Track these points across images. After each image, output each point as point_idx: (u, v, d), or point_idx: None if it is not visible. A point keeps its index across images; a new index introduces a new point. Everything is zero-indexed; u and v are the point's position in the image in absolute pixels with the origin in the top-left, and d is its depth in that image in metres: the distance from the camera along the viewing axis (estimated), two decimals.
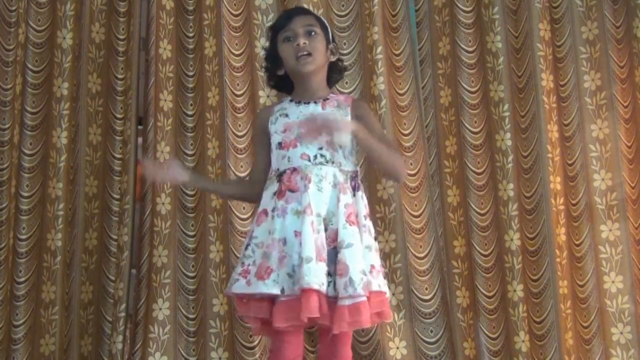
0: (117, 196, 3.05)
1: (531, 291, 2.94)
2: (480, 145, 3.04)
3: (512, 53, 3.05)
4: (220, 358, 2.94)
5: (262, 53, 3.00)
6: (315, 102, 2.21)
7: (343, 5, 3.12)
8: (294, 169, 2.12)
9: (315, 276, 1.99)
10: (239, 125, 3.02)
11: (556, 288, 2.90)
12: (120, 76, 3.12)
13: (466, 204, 3.03)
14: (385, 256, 2.89)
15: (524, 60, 3.02)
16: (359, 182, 2.19)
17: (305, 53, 2.16)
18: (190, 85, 3.12)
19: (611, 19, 3.03)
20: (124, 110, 3.10)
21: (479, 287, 2.99)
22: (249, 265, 2.08)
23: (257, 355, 2.91)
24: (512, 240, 2.94)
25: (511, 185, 2.96)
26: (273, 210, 2.10)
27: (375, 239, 2.17)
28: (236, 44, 3.07)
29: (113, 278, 3.01)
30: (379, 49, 3.00)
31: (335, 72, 2.30)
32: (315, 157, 2.13)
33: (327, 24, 2.29)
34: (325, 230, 2.08)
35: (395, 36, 3.08)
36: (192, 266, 3.02)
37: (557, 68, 3.06)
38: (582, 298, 2.97)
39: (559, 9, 3.07)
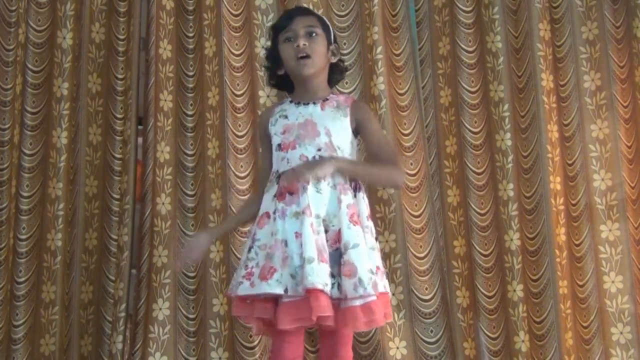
0: (117, 196, 3.05)
1: (531, 291, 2.94)
2: (480, 145, 3.04)
3: (512, 53, 3.05)
4: (220, 358, 2.94)
5: (262, 53, 3.00)
6: (314, 103, 2.21)
7: (343, 5, 3.12)
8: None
9: (319, 276, 1.98)
10: (239, 125, 3.02)
11: (556, 288, 2.90)
12: (120, 76, 3.12)
13: (466, 204, 3.03)
14: (385, 256, 2.89)
15: (524, 60, 3.02)
16: (360, 182, 2.19)
17: (304, 55, 2.16)
18: (190, 85, 3.12)
19: (611, 19, 3.03)
20: (124, 110, 3.10)
21: (479, 287, 2.99)
22: (252, 267, 2.08)
23: (257, 355, 2.91)
24: (512, 240, 2.94)
25: (511, 185, 2.96)
26: (274, 213, 2.10)
27: (376, 239, 2.17)
28: (236, 44, 3.07)
29: (113, 278, 3.02)
30: (379, 49, 3.00)
31: (336, 73, 2.29)
32: (314, 158, 2.13)
33: (329, 25, 2.28)
34: (326, 231, 2.07)
35: (395, 36, 3.08)
36: (192, 266, 3.02)
37: (557, 68, 3.05)
38: (582, 298, 2.97)
39: (559, 9, 3.07)
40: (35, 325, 2.97)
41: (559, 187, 2.98)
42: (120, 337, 2.93)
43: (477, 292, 2.99)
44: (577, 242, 2.99)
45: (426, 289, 2.94)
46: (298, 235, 2.04)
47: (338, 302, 2.04)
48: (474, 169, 3.04)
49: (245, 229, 2.93)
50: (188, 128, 3.10)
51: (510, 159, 2.97)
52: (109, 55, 3.14)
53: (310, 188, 2.08)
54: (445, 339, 2.92)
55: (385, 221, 2.94)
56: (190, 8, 3.15)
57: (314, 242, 2.02)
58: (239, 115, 3.03)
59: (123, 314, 2.95)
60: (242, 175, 2.99)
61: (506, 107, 2.99)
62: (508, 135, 2.98)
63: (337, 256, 2.06)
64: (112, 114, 3.12)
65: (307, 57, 2.16)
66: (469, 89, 3.06)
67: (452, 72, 3.10)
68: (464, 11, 3.09)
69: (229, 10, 3.06)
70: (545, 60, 3.00)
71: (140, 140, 3.11)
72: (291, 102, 2.25)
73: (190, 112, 3.11)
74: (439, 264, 2.98)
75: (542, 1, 3.02)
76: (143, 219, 3.02)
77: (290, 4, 3.02)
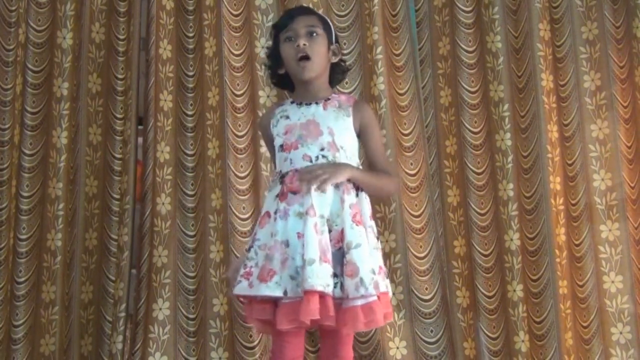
0: (117, 196, 3.05)
1: (531, 291, 2.94)
2: (480, 145, 3.04)
3: (512, 53, 3.05)
4: (220, 358, 2.94)
5: (262, 53, 3.01)
6: (316, 103, 2.20)
7: (343, 5, 3.12)
8: (296, 171, 2.12)
9: (319, 278, 1.98)
10: (239, 125, 3.02)
11: (556, 288, 2.90)
12: (120, 76, 3.12)
13: (466, 204, 3.03)
14: (385, 256, 2.88)
15: (524, 60, 3.02)
16: None
17: (304, 55, 2.15)
18: (190, 85, 3.12)
19: (611, 19, 3.03)
20: (124, 110, 3.10)
21: (479, 287, 2.99)
22: (251, 267, 2.07)
23: (257, 355, 2.91)
24: (512, 240, 2.94)
25: (511, 185, 2.96)
26: (275, 213, 2.09)
27: (377, 239, 2.17)
28: (236, 44, 3.07)
29: (113, 278, 3.02)
30: (379, 49, 3.00)
31: (337, 73, 2.29)
32: (317, 158, 2.13)
33: (331, 25, 2.28)
34: (329, 231, 2.07)
35: (395, 36, 3.08)
36: (192, 266, 3.02)
37: (557, 68, 3.06)
38: (581, 298, 2.97)
39: (559, 9, 3.07)
40: (35, 325, 2.97)
41: (558, 187, 2.98)
42: (120, 337, 2.93)
43: (477, 292, 2.99)
44: (577, 242, 2.99)
45: (426, 289, 2.94)
46: (300, 235, 2.04)
47: (340, 302, 2.04)
48: (474, 169, 3.04)
49: (245, 229, 2.94)
50: (188, 128, 3.10)
51: (510, 159, 2.97)
52: (109, 55, 3.14)
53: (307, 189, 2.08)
54: (445, 339, 2.92)
55: (385, 221, 2.94)
56: (190, 8, 3.15)
57: (317, 242, 2.02)
58: (239, 115, 3.03)
59: (123, 314, 2.95)
60: (242, 175, 2.99)
61: (506, 107, 2.99)
62: (508, 135, 2.98)
63: (340, 256, 2.05)
64: (112, 114, 3.11)
65: (307, 58, 2.16)
66: (469, 89, 3.06)
67: (452, 72, 3.10)
68: (464, 11, 3.09)
69: (229, 10, 3.06)
70: (545, 60, 3.00)
71: (140, 140, 3.11)
72: (292, 102, 2.24)
73: (190, 112, 3.11)
74: (439, 264, 2.98)
75: (542, 1, 3.03)
76: (143, 219, 3.02)
77: (291, 4, 3.02)
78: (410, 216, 2.98)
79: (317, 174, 2.05)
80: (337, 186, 2.10)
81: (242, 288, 2.07)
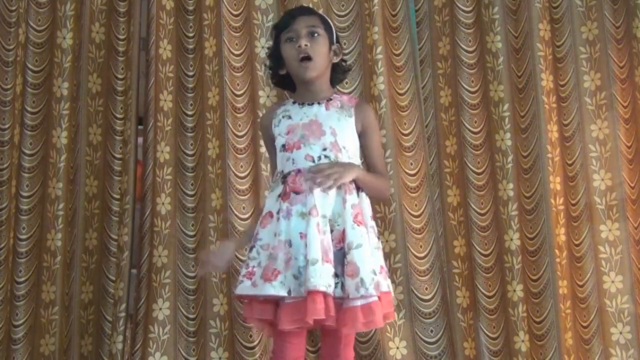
0: (117, 196, 3.05)
1: (531, 291, 2.94)
2: (480, 145, 3.04)
3: (512, 53, 3.05)
4: (220, 358, 2.94)
5: (262, 53, 3.01)
6: (318, 103, 2.21)
7: (343, 5, 3.12)
8: (299, 171, 2.12)
9: (322, 278, 1.98)
10: (239, 125, 3.02)
11: (556, 288, 2.90)
12: (120, 76, 3.12)
13: (466, 204, 3.03)
14: (385, 256, 2.85)
15: (524, 60, 3.02)
16: None
17: (305, 56, 2.15)
18: (190, 85, 3.12)
19: (611, 19, 3.03)
20: (124, 110, 3.10)
21: (479, 287, 2.99)
22: (253, 267, 2.07)
23: (257, 355, 2.91)
24: (512, 240, 2.94)
25: (511, 185, 2.96)
26: (278, 212, 2.09)
27: (378, 238, 2.18)
28: (236, 44, 3.07)
29: (113, 278, 3.02)
30: (379, 49, 3.00)
31: (338, 73, 2.29)
32: (320, 158, 2.13)
33: (332, 25, 2.28)
34: (331, 231, 2.07)
35: (395, 36, 3.08)
36: (192, 266, 3.02)
37: (557, 68, 3.06)
38: (581, 298, 2.97)
39: (559, 9, 3.07)
40: (35, 325, 2.97)
41: (558, 187, 2.98)
42: (120, 337, 2.93)
43: (477, 292, 3.00)
44: (576, 242, 2.99)
45: (426, 289, 2.94)
46: (303, 235, 2.04)
47: (341, 302, 2.04)
48: (474, 169, 3.04)
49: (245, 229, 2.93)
50: (188, 128, 3.10)
51: (510, 159, 2.97)
52: (109, 55, 3.14)
53: (317, 188, 2.08)
54: (445, 339, 2.93)
55: (385, 221, 2.94)
56: (190, 8, 3.15)
57: (319, 242, 2.02)
58: (239, 115, 3.03)
59: (123, 314, 2.95)
60: (242, 175, 2.99)
61: (506, 107, 2.99)
62: (508, 135, 2.98)
63: (341, 256, 2.06)
64: (112, 114, 3.11)
65: (309, 58, 2.16)
66: (469, 89, 3.06)
67: (452, 72, 3.10)
68: (464, 11, 3.09)
69: (229, 10, 3.06)
70: (545, 60, 3.00)
71: (140, 140, 3.11)
72: (294, 102, 2.24)
73: (190, 112, 3.11)
74: (439, 264, 2.98)
75: (542, 1, 3.03)
76: (143, 219, 3.02)
77: (291, 4, 3.02)
78: (410, 216, 2.98)
79: (327, 173, 2.05)
80: (339, 186, 2.10)
81: (244, 288, 2.07)
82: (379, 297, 2.04)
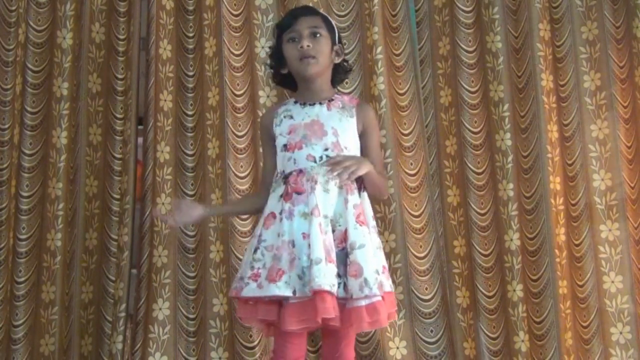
0: (117, 196, 3.05)
1: (531, 291, 2.94)
2: (480, 145, 3.04)
3: (512, 53, 3.05)
4: (220, 358, 2.94)
5: (262, 53, 3.01)
6: (320, 104, 2.21)
7: (343, 5, 3.12)
8: (300, 171, 2.12)
9: (325, 277, 1.99)
10: (239, 125, 3.02)
11: (556, 288, 2.90)
12: (120, 76, 3.12)
13: (466, 204, 3.03)
14: (385, 256, 2.87)
15: (524, 60, 3.02)
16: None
17: (308, 56, 2.16)
18: (190, 85, 3.12)
19: (611, 19, 3.03)
20: (124, 110, 3.10)
21: (479, 287, 2.99)
22: (259, 269, 2.07)
23: (257, 355, 2.91)
24: (512, 240, 2.94)
25: (511, 185, 2.96)
26: (281, 213, 2.10)
27: (379, 238, 2.18)
28: (236, 44, 3.07)
29: (113, 278, 3.01)
30: (379, 49, 3.00)
31: (340, 73, 2.29)
32: (321, 158, 2.13)
33: (334, 25, 2.28)
34: (333, 231, 2.08)
35: (395, 36, 3.08)
36: (192, 266, 3.02)
37: (557, 68, 3.05)
38: (581, 298, 2.97)
39: (558, 9, 3.07)
40: (35, 325, 2.97)
41: (558, 187, 2.98)
42: (120, 337, 2.93)
43: (477, 292, 2.99)
44: (576, 242, 2.99)
45: (426, 289, 2.94)
46: (305, 235, 2.04)
47: (344, 302, 2.04)
48: (474, 169, 3.04)
49: (245, 229, 2.93)
50: (188, 128, 3.10)
51: (510, 159, 2.97)
52: (109, 55, 3.14)
53: (319, 188, 2.09)
54: (445, 339, 2.92)
55: (385, 221, 2.94)
56: (190, 8, 3.15)
57: (322, 242, 2.02)
58: (239, 115, 3.03)
59: (123, 314, 2.95)
60: (242, 175, 2.99)
61: (506, 107, 2.99)
62: (508, 135, 2.98)
63: (344, 256, 2.06)
64: (112, 114, 3.11)
65: (312, 57, 2.16)
66: (469, 89, 3.06)
67: (452, 72, 3.10)
68: (464, 11, 3.09)
69: (229, 10, 3.06)
70: (545, 60, 3.00)
71: (140, 140, 3.11)
72: (295, 102, 2.24)
73: (190, 112, 3.11)
74: (439, 264, 2.98)
75: (542, 1, 3.02)
76: (143, 219, 3.02)
77: (290, 4, 3.02)
78: (410, 216, 2.98)
79: (346, 165, 2.05)
80: (341, 186, 2.11)
81: (251, 290, 2.06)
82: (382, 297, 2.05)
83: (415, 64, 3.10)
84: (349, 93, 2.93)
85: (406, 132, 3.03)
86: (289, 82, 2.29)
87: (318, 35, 2.19)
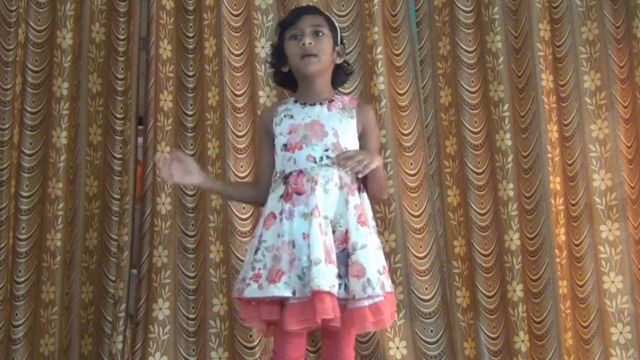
0: (117, 196, 3.05)
1: (531, 291, 2.94)
2: (480, 145, 3.04)
3: (512, 53, 3.05)
4: (220, 358, 2.94)
5: (262, 53, 3.01)
6: (320, 104, 2.21)
7: (343, 5, 3.12)
8: (300, 171, 2.12)
9: (325, 278, 1.99)
10: (239, 125, 3.02)
11: (556, 288, 2.90)
12: (120, 76, 3.12)
13: (466, 204, 3.03)
14: (385, 256, 2.85)
15: (524, 60, 3.02)
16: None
17: (309, 53, 2.16)
18: (190, 85, 3.12)
19: (611, 19, 3.03)
20: (124, 110, 3.10)
21: (479, 287, 2.99)
22: (259, 269, 2.07)
23: (257, 355, 2.91)
24: (512, 240, 2.94)
25: (511, 185, 2.96)
26: (281, 213, 2.09)
27: (378, 239, 2.18)
28: (236, 44, 3.07)
29: (113, 278, 3.01)
30: (379, 49, 3.00)
31: (340, 75, 2.29)
32: (321, 158, 2.13)
33: (337, 26, 2.29)
34: (333, 232, 2.08)
35: (395, 36, 3.08)
36: (192, 266, 3.02)
37: (557, 68, 3.06)
38: (581, 298, 2.97)
39: (558, 9, 3.07)
40: (34, 325, 2.97)
41: (558, 187, 2.98)
42: (120, 337, 2.93)
43: (477, 292, 2.99)
44: (576, 242, 2.99)
45: (426, 289, 2.94)
46: (305, 236, 2.04)
47: (345, 303, 2.04)
48: (474, 169, 3.04)
49: (245, 229, 2.93)
50: (188, 128, 3.10)
51: (510, 159, 2.97)
52: (109, 55, 3.14)
53: (319, 189, 2.09)
54: (445, 339, 2.92)
55: (385, 221, 2.94)
56: (190, 8, 3.15)
57: (322, 243, 2.02)
58: (239, 115, 3.03)
59: (123, 314, 2.95)
60: (242, 175, 2.99)
61: (506, 107, 2.99)
62: (508, 135, 2.98)
63: (344, 257, 2.06)
64: (112, 114, 3.11)
65: (313, 55, 2.16)
66: (469, 89, 3.06)
67: (452, 72, 3.10)
68: (464, 11, 3.09)
69: (229, 10, 3.06)
70: (545, 60, 3.00)
71: (140, 140, 3.11)
72: (296, 102, 2.24)
73: (190, 112, 3.11)
74: (439, 264, 2.98)
75: (542, 1, 3.02)
76: (143, 219, 3.02)
77: (290, 4, 3.02)
78: (410, 216, 2.98)
79: (359, 159, 2.05)
80: (341, 187, 2.11)
81: (252, 291, 2.06)
82: (384, 297, 2.05)
83: (415, 64, 3.10)
84: (349, 93, 2.92)
85: (406, 132, 3.03)
86: (289, 81, 2.29)
87: (320, 34, 2.19)
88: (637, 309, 2.93)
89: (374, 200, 2.27)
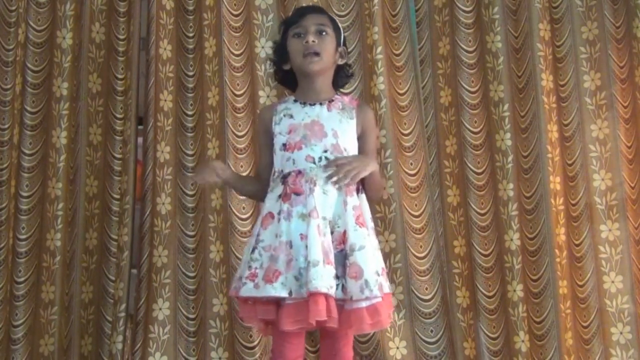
0: (117, 196, 3.05)
1: (531, 291, 2.94)
2: (480, 145, 3.04)
3: (512, 53, 3.05)
4: (220, 358, 2.94)
5: (262, 53, 3.01)
6: (320, 104, 2.21)
7: (343, 5, 3.12)
8: (299, 172, 2.12)
9: (323, 279, 1.99)
10: (239, 125, 3.02)
11: (556, 288, 2.90)
12: (120, 76, 3.12)
13: (466, 204, 3.03)
14: (385, 256, 2.87)
15: (524, 60, 3.02)
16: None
17: (312, 52, 2.16)
18: (190, 85, 3.12)
19: (611, 19, 3.03)
20: (124, 110, 3.10)
21: (479, 287, 2.99)
22: (256, 268, 2.07)
23: (257, 355, 2.91)
24: (512, 240, 2.94)
25: (511, 185, 2.96)
26: (279, 213, 2.09)
27: (377, 240, 2.18)
28: (236, 44, 3.07)
29: (113, 278, 3.01)
30: (379, 49, 3.00)
31: (341, 76, 2.30)
32: (320, 159, 2.13)
33: (340, 27, 2.29)
34: (332, 233, 2.08)
35: (395, 36, 3.08)
36: (192, 266, 3.02)
37: (557, 68, 3.06)
38: (581, 298, 2.97)
39: (559, 9, 3.07)
40: (34, 325, 2.97)
41: (558, 187, 2.98)
42: (120, 337, 2.93)
43: (477, 292, 2.99)
44: (577, 242, 2.99)
45: (426, 289, 2.94)
46: (303, 237, 2.04)
47: (342, 304, 2.04)
48: (474, 169, 3.04)
49: (245, 229, 2.93)
50: (188, 128, 3.10)
51: (510, 159, 2.97)
52: (109, 55, 3.14)
53: (317, 189, 2.09)
54: (445, 339, 2.92)
55: (385, 221, 2.94)
56: (190, 8, 3.15)
57: (320, 244, 2.02)
58: (239, 115, 3.03)
59: (123, 314, 2.95)
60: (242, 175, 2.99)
61: (506, 107, 2.99)
62: (508, 135, 2.98)
63: (342, 258, 2.06)
64: (112, 114, 3.11)
65: (316, 54, 2.16)
66: (469, 89, 3.06)
67: (452, 72, 3.10)
68: (464, 11, 3.09)
69: (229, 10, 3.06)
70: (545, 60, 3.00)
71: (140, 140, 3.11)
72: (295, 101, 2.24)
73: (190, 112, 3.11)
74: (439, 264, 2.98)
75: (542, 1, 3.03)
76: (143, 219, 3.02)
77: (290, 4, 3.02)
78: (410, 216, 2.98)
79: (347, 169, 2.05)
80: (339, 187, 2.11)
81: (248, 290, 2.07)
82: (382, 298, 2.05)
83: (415, 64, 3.10)
84: (349, 93, 2.92)
85: (406, 132, 3.03)
86: (290, 80, 2.29)
87: (324, 33, 2.20)
88: (637, 309, 2.93)
89: (371, 201, 2.27)
